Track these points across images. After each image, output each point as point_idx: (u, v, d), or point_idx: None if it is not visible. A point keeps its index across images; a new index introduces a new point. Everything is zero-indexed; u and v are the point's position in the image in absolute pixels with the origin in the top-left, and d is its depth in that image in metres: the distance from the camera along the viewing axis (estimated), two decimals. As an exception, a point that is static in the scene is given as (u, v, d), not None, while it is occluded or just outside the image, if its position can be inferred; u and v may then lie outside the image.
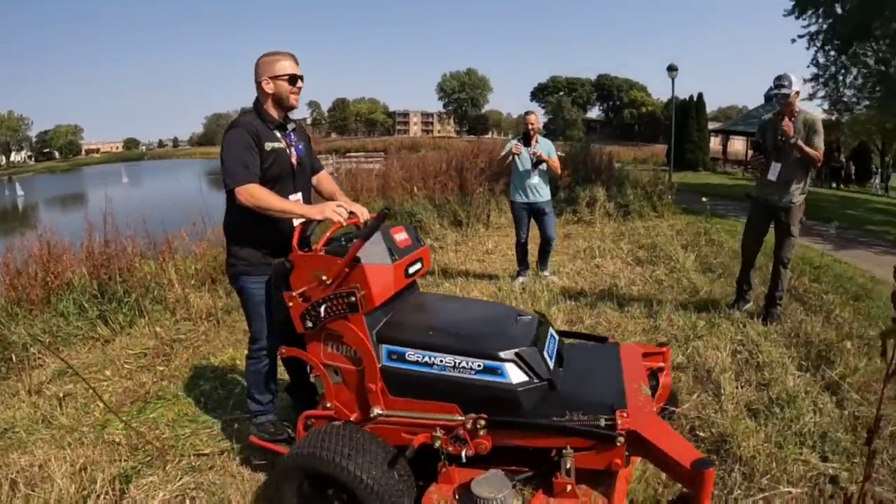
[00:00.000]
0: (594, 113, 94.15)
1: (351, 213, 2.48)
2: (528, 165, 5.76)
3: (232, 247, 2.64)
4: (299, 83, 2.58)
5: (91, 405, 3.47)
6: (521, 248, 6.09)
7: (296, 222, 2.44)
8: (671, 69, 20.86)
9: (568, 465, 1.98)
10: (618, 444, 1.94)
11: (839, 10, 17.65)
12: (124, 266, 5.32)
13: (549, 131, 75.37)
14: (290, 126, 2.67)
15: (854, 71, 21.69)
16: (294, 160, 2.63)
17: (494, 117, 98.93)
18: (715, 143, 32.94)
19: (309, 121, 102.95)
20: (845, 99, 22.38)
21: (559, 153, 6.32)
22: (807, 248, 7.51)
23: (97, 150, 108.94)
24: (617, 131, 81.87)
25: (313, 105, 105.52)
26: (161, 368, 3.95)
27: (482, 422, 2.01)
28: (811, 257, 6.94)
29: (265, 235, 2.58)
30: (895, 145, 29.71)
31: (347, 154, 39.29)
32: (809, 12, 18.50)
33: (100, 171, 59.79)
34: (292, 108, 2.62)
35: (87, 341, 4.60)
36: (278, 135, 2.58)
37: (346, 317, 2.17)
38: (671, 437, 1.96)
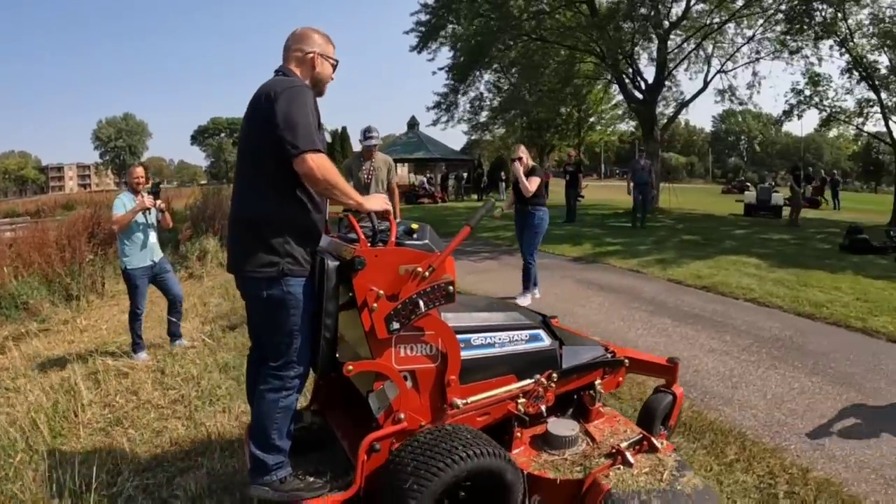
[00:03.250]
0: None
1: None
2: (154, 220, 6.01)
3: (272, 239, 2.51)
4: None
5: None
6: (139, 322, 5.99)
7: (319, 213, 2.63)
8: None
9: (600, 392, 3.10)
10: (625, 366, 3.23)
11: (471, 42, 23.60)
12: None
13: (212, 175, 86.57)
14: None
15: (489, 95, 28.85)
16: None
17: (156, 164, 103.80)
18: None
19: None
20: (483, 120, 29.27)
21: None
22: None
23: None
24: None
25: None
26: None
27: (555, 375, 2.89)
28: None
29: (310, 226, 2.62)
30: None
31: (-10, 222, 29.10)
32: (433, 46, 24.77)
33: None
34: (319, 95, 2.76)
35: None
36: None
37: (429, 312, 2.55)
38: (644, 354, 3.40)
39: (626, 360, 3.25)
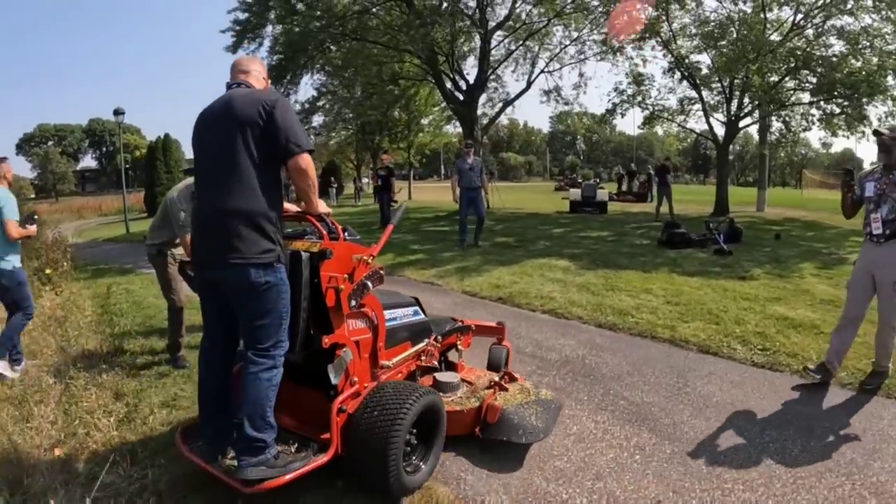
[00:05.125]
0: (89, 161, 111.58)
1: None
2: None
3: (269, 229, 3.18)
4: None
5: None
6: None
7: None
8: (117, 113, 25.84)
9: (461, 350, 5.09)
10: (472, 330, 5.27)
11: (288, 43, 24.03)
12: None
13: (39, 188, 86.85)
14: None
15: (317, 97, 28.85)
16: None
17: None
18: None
19: None
20: (314, 124, 30.43)
21: None
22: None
23: None
24: (113, 179, 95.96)
25: None
26: None
27: (440, 338, 4.74)
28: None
29: (281, 220, 3.36)
30: (367, 158, 45.57)
31: None
32: (251, 47, 24.79)
33: None
34: None
35: None
36: None
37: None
38: (481, 321, 5.53)
39: (473, 326, 5.23)
